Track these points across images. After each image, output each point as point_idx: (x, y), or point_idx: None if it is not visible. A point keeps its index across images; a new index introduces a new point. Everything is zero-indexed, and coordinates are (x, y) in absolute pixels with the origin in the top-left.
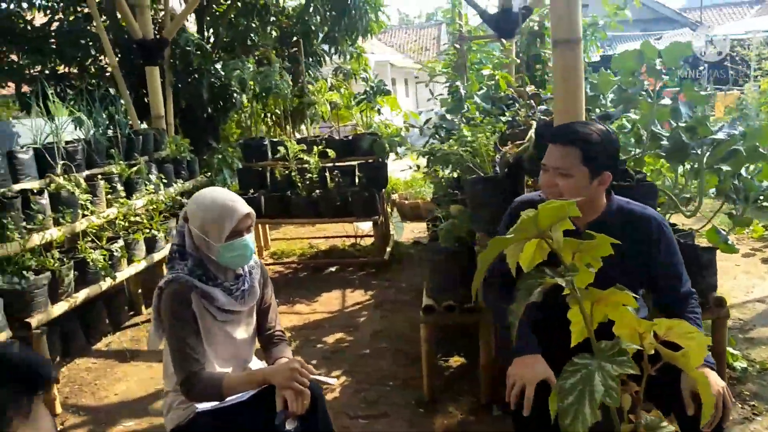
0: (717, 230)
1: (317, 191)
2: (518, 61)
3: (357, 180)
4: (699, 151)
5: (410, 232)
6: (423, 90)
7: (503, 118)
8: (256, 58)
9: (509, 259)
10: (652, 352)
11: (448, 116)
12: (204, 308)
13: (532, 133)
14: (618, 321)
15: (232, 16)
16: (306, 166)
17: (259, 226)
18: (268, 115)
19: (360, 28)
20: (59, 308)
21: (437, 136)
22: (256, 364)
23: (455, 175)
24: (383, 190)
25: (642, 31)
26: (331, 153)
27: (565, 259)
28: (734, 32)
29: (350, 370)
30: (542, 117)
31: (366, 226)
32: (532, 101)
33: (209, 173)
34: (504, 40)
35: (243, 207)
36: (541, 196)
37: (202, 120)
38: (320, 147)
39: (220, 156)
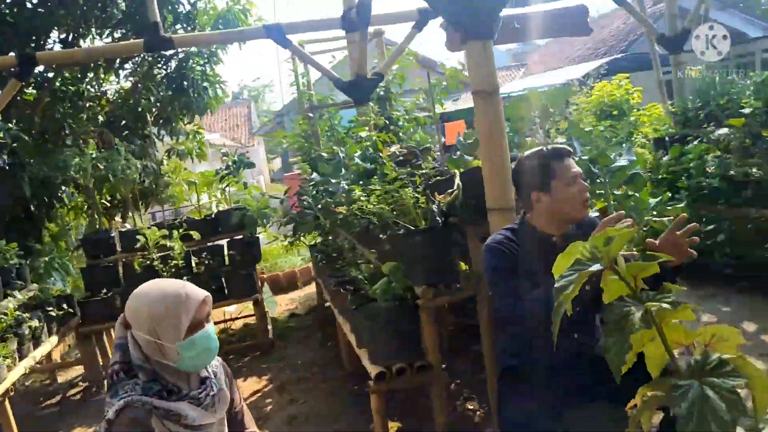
0: None
1: (185, 278)
2: (386, 121)
3: (228, 259)
4: (604, 179)
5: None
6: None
7: (419, 172)
8: (95, 144)
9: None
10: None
11: (333, 180)
12: None
13: (458, 181)
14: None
15: (45, 104)
16: (169, 252)
17: (113, 330)
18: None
19: (199, 105)
20: None
21: (305, 203)
22: None
23: (318, 239)
24: (256, 266)
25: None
26: (195, 234)
27: (632, 284)
28: (511, 90)
29: None
30: (440, 167)
31: (231, 308)
32: (439, 154)
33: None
34: (371, 104)
35: (197, 292)
36: (501, 236)
37: (18, 220)
38: (182, 230)
39: (46, 259)
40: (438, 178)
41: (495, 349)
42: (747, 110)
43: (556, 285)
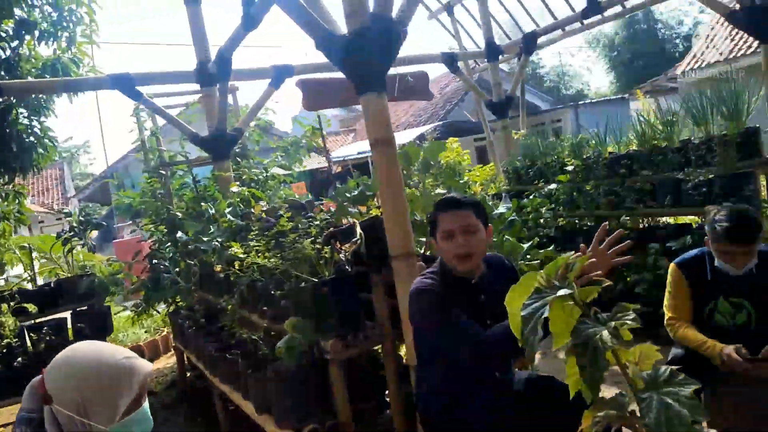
0: None
1: (19, 359)
2: (255, 176)
3: (73, 334)
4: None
5: None
6: (52, 231)
7: (314, 223)
8: None
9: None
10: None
11: (204, 238)
12: None
13: (359, 230)
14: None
15: None
16: None
17: None
18: None
19: (24, 163)
20: None
21: (162, 266)
22: None
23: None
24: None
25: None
26: (31, 307)
27: (586, 308)
28: (347, 154)
29: None
30: (329, 219)
31: None
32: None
33: None
34: (242, 159)
35: (143, 364)
36: (430, 280)
37: None
38: (14, 303)
39: None
40: (333, 228)
41: (420, 391)
42: (570, 167)
43: (523, 312)
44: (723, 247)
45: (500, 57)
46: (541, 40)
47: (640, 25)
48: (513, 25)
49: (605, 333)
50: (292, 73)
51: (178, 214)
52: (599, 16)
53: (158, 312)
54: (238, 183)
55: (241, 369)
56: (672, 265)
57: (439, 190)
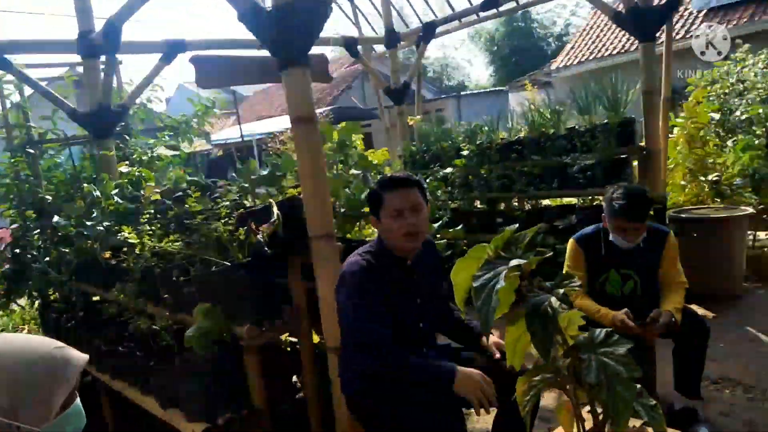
0: None
1: None
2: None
3: None
4: None
5: None
6: None
7: (221, 204)
8: None
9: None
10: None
11: (88, 223)
12: None
13: (275, 210)
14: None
15: None
16: None
17: None
18: None
19: None
20: None
21: (28, 257)
22: None
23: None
24: None
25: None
26: None
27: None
28: (227, 137)
29: None
30: (238, 200)
31: None
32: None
33: None
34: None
35: (75, 354)
36: (364, 262)
37: None
38: None
39: None
40: (246, 209)
41: (344, 371)
42: (465, 152)
43: (475, 284)
44: (618, 222)
45: (398, 44)
46: (438, 29)
47: (518, 23)
48: (409, 14)
49: (554, 299)
50: (185, 48)
51: (49, 197)
52: (495, 10)
53: (23, 307)
54: (127, 163)
55: (140, 363)
56: (571, 240)
57: (353, 171)
